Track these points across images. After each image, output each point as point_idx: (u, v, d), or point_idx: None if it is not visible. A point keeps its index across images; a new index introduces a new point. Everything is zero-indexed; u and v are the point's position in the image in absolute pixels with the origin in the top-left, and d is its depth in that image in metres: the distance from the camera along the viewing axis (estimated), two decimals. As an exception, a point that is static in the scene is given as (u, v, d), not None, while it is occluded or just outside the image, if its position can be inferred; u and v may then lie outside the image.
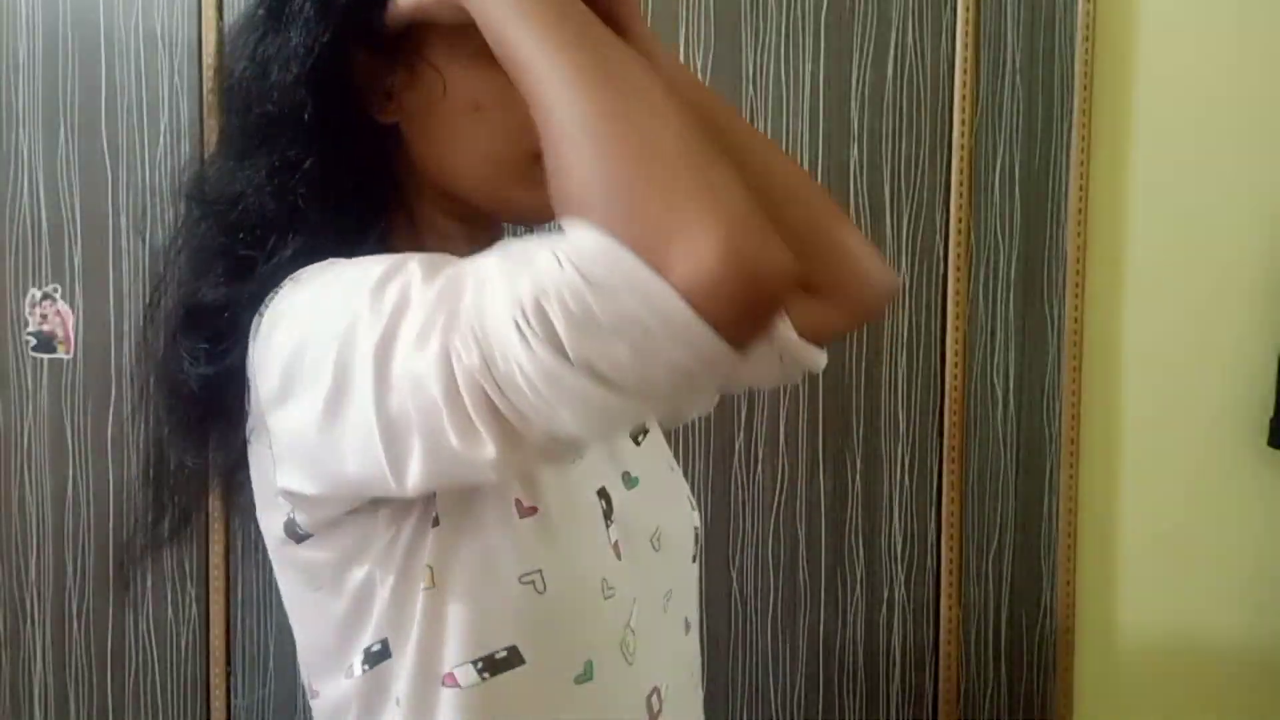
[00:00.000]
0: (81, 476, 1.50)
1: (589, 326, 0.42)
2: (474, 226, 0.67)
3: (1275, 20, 1.42)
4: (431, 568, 0.57)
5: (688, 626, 0.71)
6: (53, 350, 1.50)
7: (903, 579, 1.46)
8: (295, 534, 0.60)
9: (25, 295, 1.50)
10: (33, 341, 1.50)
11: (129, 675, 1.50)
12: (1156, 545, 1.47)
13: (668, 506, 0.70)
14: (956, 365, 1.44)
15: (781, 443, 1.45)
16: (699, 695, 0.73)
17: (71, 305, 1.49)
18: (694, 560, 0.72)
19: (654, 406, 0.54)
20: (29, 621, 1.51)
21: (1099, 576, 1.47)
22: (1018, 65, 1.43)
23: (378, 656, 0.59)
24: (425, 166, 0.65)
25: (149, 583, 1.49)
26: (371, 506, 0.57)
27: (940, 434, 1.45)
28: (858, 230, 0.73)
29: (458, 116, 0.62)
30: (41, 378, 1.50)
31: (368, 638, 0.59)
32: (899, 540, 1.46)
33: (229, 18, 1.44)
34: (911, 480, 1.45)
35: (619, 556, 0.62)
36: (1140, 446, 1.47)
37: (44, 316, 1.50)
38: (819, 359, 0.72)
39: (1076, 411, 1.45)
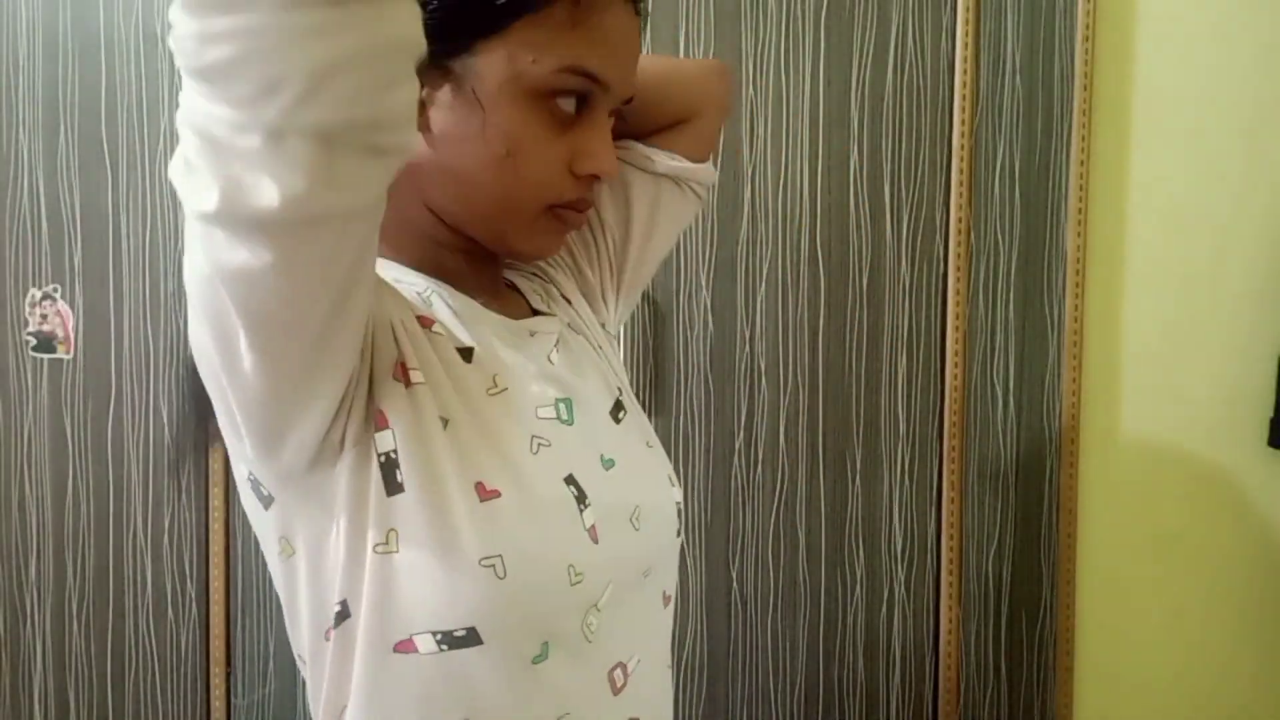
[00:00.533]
0: (81, 476, 1.50)
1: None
2: (473, 243, 0.67)
3: (1275, 20, 1.42)
4: (395, 531, 0.58)
5: (666, 599, 0.73)
6: (53, 350, 1.50)
7: (903, 579, 1.46)
8: (260, 495, 0.61)
9: (25, 295, 1.50)
10: (33, 341, 1.50)
11: (129, 675, 1.50)
12: (1156, 545, 1.47)
13: (647, 485, 0.71)
14: (956, 365, 1.44)
15: (781, 443, 1.45)
16: (670, 668, 0.76)
17: (71, 305, 1.49)
18: (677, 535, 0.74)
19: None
20: (29, 622, 1.51)
21: (1099, 576, 1.47)
22: (1018, 65, 1.43)
23: (339, 617, 0.60)
24: (433, 189, 0.64)
25: (149, 583, 1.49)
26: (325, 464, 0.57)
27: (940, 434, 1.45)
28: (689, 63, 0.86)
29: (489, 155, 0.61)
30: (41, 378, 1.50)
31: (334, 599, 0.60)
32: (899, 540, 1.46)
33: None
34: (911, 480, 1.45)
35: (596, 540, 0.62)
36: (1140, 446, 1.47)
37: (44, 316, 1.50)
38: (709, 174, 0.85)
39: (1076, 411, 1.45)
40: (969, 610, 1.46)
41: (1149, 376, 1.46)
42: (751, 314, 1.44)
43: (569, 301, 0.79)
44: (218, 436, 0.62)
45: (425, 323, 0.63)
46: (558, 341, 0.72)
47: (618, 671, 0.66)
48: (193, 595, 1.48)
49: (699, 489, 1.45)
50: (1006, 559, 1.47)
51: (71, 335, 1.49)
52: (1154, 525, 1.47)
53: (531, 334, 0.69)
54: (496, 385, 0.63)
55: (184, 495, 1.48)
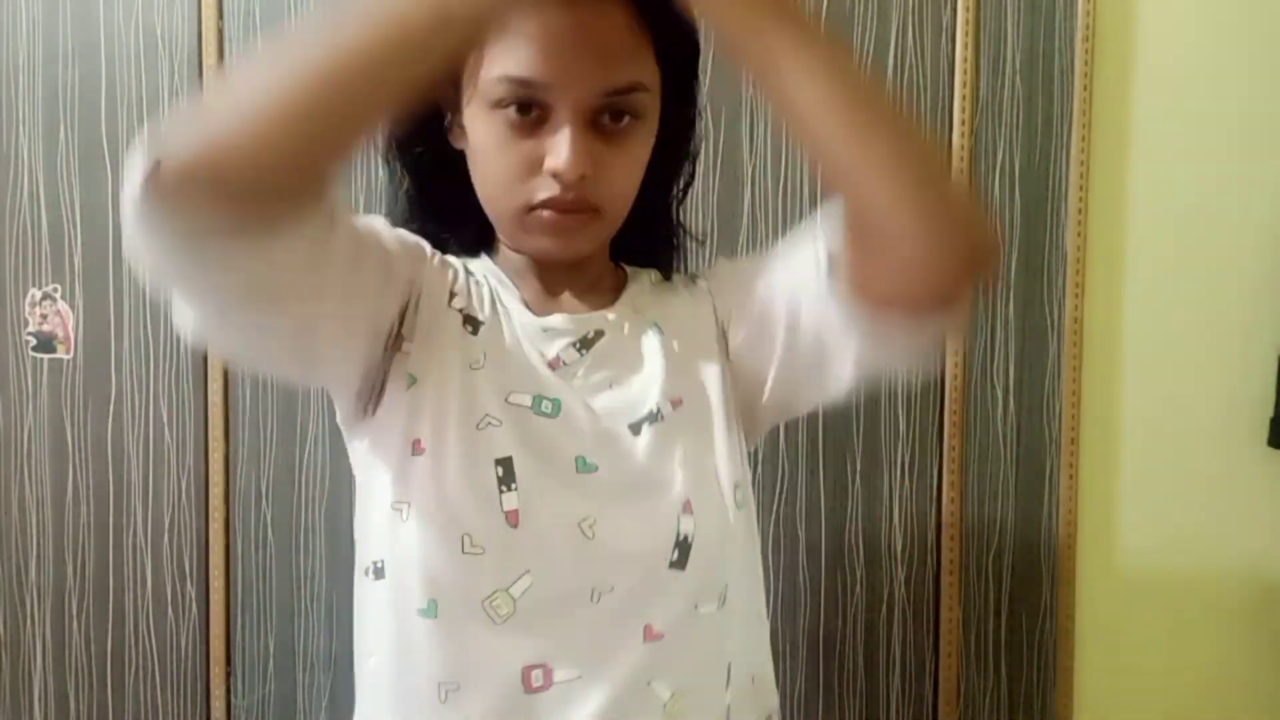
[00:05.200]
0: (81, 476, 1.50)
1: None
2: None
3: (1274, 20, 1.42)
4: (360, 477, 0.73)
5: (651, 634, 0.68)
6: (53, 350, 1.50)
7: (903, 579, 1.46)
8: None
9: (25, 295, 1.50)
10: (33, 341, 1.50)
11: (129, 675, 1.50)
12: (1156, 545, 1.47)
13: (627, 503, 0.68)
14: (956, 365, 1.44)
15: (781, 443, 1.45)
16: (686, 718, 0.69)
17: (71, 305, 1.49)
18: (674, 567, 0.68)
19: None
20: (29, 621, 1.51)
21: (1099, 576, 1.47)
22: (1018, 65, 1.43)
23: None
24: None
25: (149, 583, 1.49)
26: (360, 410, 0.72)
27: (940, 434, 1.45)
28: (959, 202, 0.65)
29: (477, 165, 0.71)
30: (41, 378, 1.50)
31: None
32: (899, 540, 1.46)
33: (229, 18, 1.44)
34: (911, 480, 1.45)
35: (513, 524, 0.65)
36: (1140, 446, 1.47)
37: (44, 316, 1.50)
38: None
39: (1076, 411, 1.45)
40: (969, 610, 1.46)
41: (1149, 377, 1.46)
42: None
43: (655, 330, 0.76)
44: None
45: (452, 294, 0.73)
46: (583, 341, 0.73)
47: (537, 672, 0.66)
48: (193, 595, 1.48)
49: (699, 489, 1.45)
50: (1006, 559, 1.47)
51: (71, 335, 1.49)
52: (1154, 525, 1.47)
53: (544, 330, 0.73)
54: (480, 363, 0.70)
55: (184, 495, 1.48)
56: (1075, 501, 1.46)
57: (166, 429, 1.48)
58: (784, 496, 1.45)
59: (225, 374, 1.45)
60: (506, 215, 0.70)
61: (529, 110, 0.66)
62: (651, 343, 0.75)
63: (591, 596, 0.67)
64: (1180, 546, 1.46)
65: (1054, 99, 1.43)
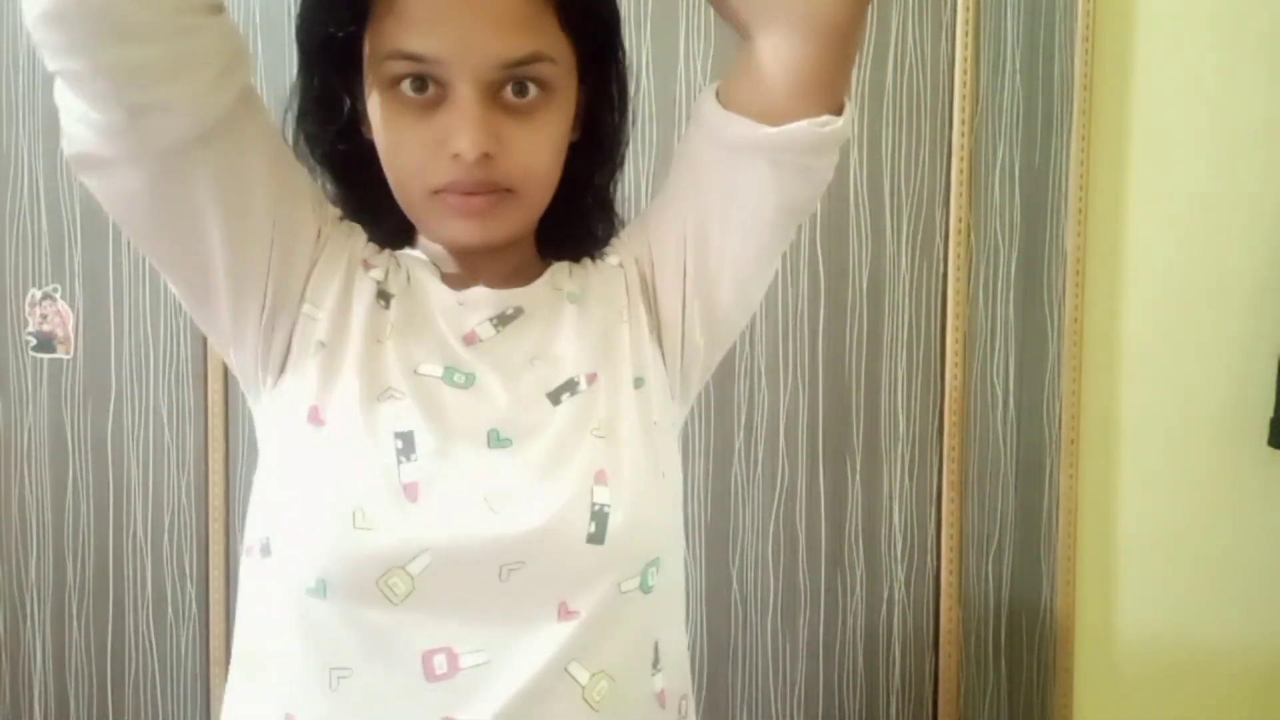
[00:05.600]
0: (81, 476, 1.50)
1: None
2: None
3: (1274, 21, 1.42)
4: (261, 446, 0.69)
5: (567, 613, 0.64)
6: (53, 350, 1.50)
7: (903, 579, 1.46)
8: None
9: (25, 295, 1.50)
10: (33, 341, 1.50)
11: (129, 675, 1.50)
12: (1156, 545, 1.47)
13: (541, 474, 0.65)
14: (956, 365, 1.44)
15: (781, 443, 1.45)
16: (608, 707, 0.65)
17: (71, 305, 1.49)
18: (592, 541, 0.64)
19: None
20: (29, 621, 1.51)
21: (1099, 576, 1.47)
22: (1018, 65, 1.43)
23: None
24: None
25: (149, 583, 1.49)
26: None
27: (940, 434, 1.45)
28: None
29: (380, 153, 0.68)
30: (41, 378, 1.50)
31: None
32: (899, 540, 1.46)
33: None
34: (911, 480, 1.45)
35: (412, 498, 0.62)
36: (1140, 447, 1.47)
37: (44, 316, 1.50)
38: (802, 134, 0.65)
39: (1076, 411, 1.45)
40: (969, 610, 1.46)
41: (1149, 377, 1.46)
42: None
43: (573, 299, 0.75)
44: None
45: (367, 265, 0.70)
46: (501, 316, 0.71)
47: (440, 657, 0.62)
48: (193, 595, 1.48)
49: (699, 489, 1.45)
50: (1006, 559, 1.47)
51: (71, 335, 1.49)
52: (1154, 525, 1.47)
53: (460, 304, 0.71)
54: (386, 334, 0.68)
55: (184, 495, 1.48)
56: (1075, 501, 1.46)
57: (166, 429, 1.48)
58: (784, 496, 1.45)
59: (225, 374, 1.45)
60: (414, 203, 0.67)
61: (424, 88, 0.63)
62: (569, 315, 0.73)
63: (499, 574, 0.62)
64: (1180, 546, 1.46)
65: (1054, 99, 1.43)
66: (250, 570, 0.67)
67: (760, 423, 1.45)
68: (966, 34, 1.41)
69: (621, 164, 0.78)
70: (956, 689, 1.47)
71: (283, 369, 0.67)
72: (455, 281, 0.72)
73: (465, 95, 0.62)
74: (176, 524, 1.48)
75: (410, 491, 0.62)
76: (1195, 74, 1.43)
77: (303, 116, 0.71)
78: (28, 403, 1.50)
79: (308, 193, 0.69)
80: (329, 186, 0.75)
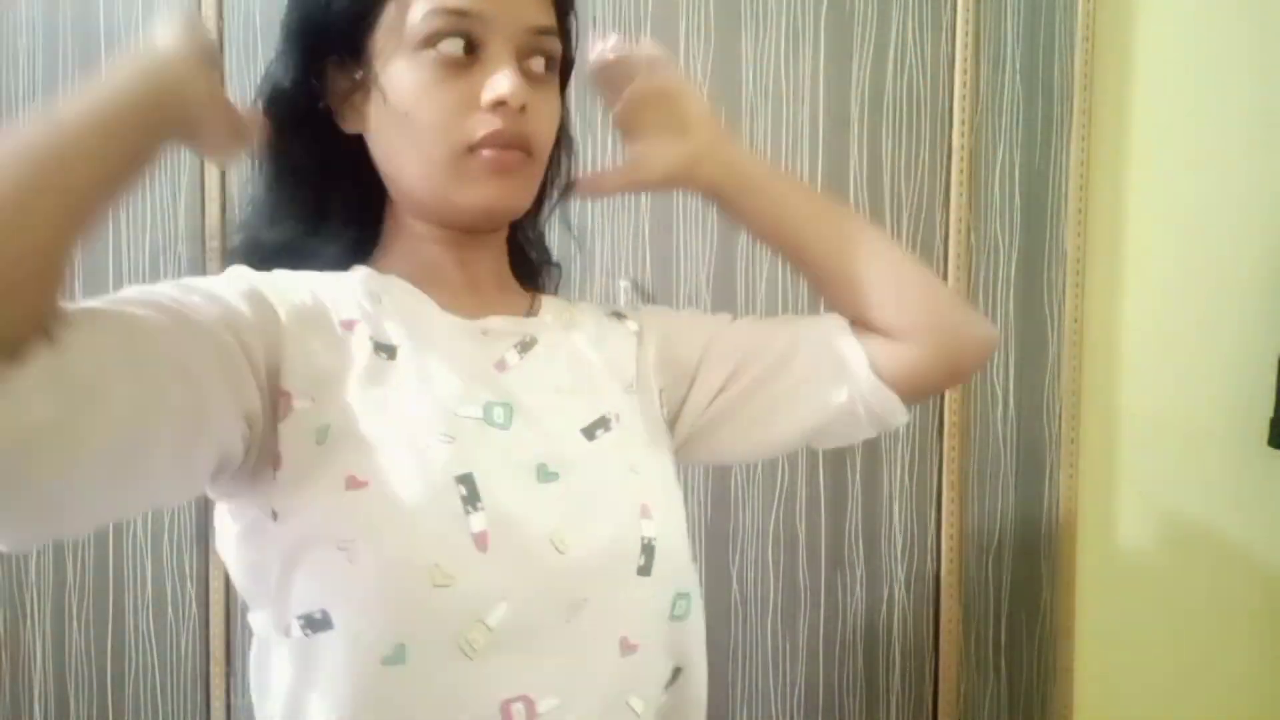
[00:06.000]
0: (81, 476, 1.50)
1: None
2: (448, 232, 0.71)
3: (1274, 21, 1.42)
4: (276, 513, 0.61)
5: (628, 647, 0.64)
6: (53, 350, 1.49)
7: (903, 579, 1.46)
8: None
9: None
10: (33, 341, 1.50)
11: (129, 675, 1.50)
12: (1156, 545, 1.47)
13: (593, 510, 0.65)
14: (956, 365, 1.44)
15: (781, 443, 1.45)
16: None
17: (71, 305, 1.49)
18: (642, 573, 0.65)
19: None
20: (29, 621, 1.51)
21: (1099, 577, 1.47)
22: (1018, 65, 1.43)
23: (246, 608, 0.67)
24: (386, 176, 0.70)
25: (149, 583, 1.49)
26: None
27: (940, 434, 1.45)
28: (945, 286, 0.82)
29: (397, 124, 0.65)
30: (41, 378, 1.50)
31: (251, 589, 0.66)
32: (899, 540, 1.46)
33: (229, 19, 1.44)
34: (911, 480, 1.45)
35: (482, 547, 0.59)
36: (1140, 447, 1.47)
37: (44, 316, 1.49)
38: (897, 408, 0.76)
39: (1076, 411, 1.45)
40: (969, 610, 1.46)
41: (1149, 376, 1.46)
42: (751, 314, 1.44)
43: (593, 343, 0.76)
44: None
45: (348, 325, 0.65)
46: (522, 344, 0.70)
47: (518, 706, 0.60)
48: (193, 595, 1.48)
49: (699, 489, 1.45)
50: (1006, 559, 1.47)
51: (71, 335, 1.49)
52: (1154, 525, 1.47)
53: (484, 333, 0.69)
54: (409, 385, 0.64)
55: (184, 495, 1.48)
56: (1075, 501, 1.46)
57: (166, 429, 1.48)
58: (784, 496, 1.45)
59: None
60: (440, 165, 0.65)
61: (462, 45, 0.63)
62: (587, 352, 0.74)
63: (566, 615, 0.62)
64: (1180, 546, 1.46)
65: (1054, 99, 1.43)
66: (292, 651, 0.60)
67: (760, 423, 1.45)
68: (966, 34, 1.41)
69: (562, 198, 0.79)
70: (956, 689, 1.47)
71: (278, 461, 0.61)
72: (454, 302, 0.69)
73: (503, 51, 0.64)
74: (176, 524, 1.48)
75: (481, 541, 0.59)
76: (1195, 74, 1.43)
77: (287, 105, 0.68)
78: (28, 403, 1.50)
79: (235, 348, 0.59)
80: (282, 200, 0.70)
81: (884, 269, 0.76)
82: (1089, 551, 1.47)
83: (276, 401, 0.61)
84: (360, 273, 0.69)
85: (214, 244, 1.46)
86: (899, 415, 0.77)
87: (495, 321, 0.70)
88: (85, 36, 1.46)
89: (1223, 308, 1.44)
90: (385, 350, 0.65)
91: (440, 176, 0.65)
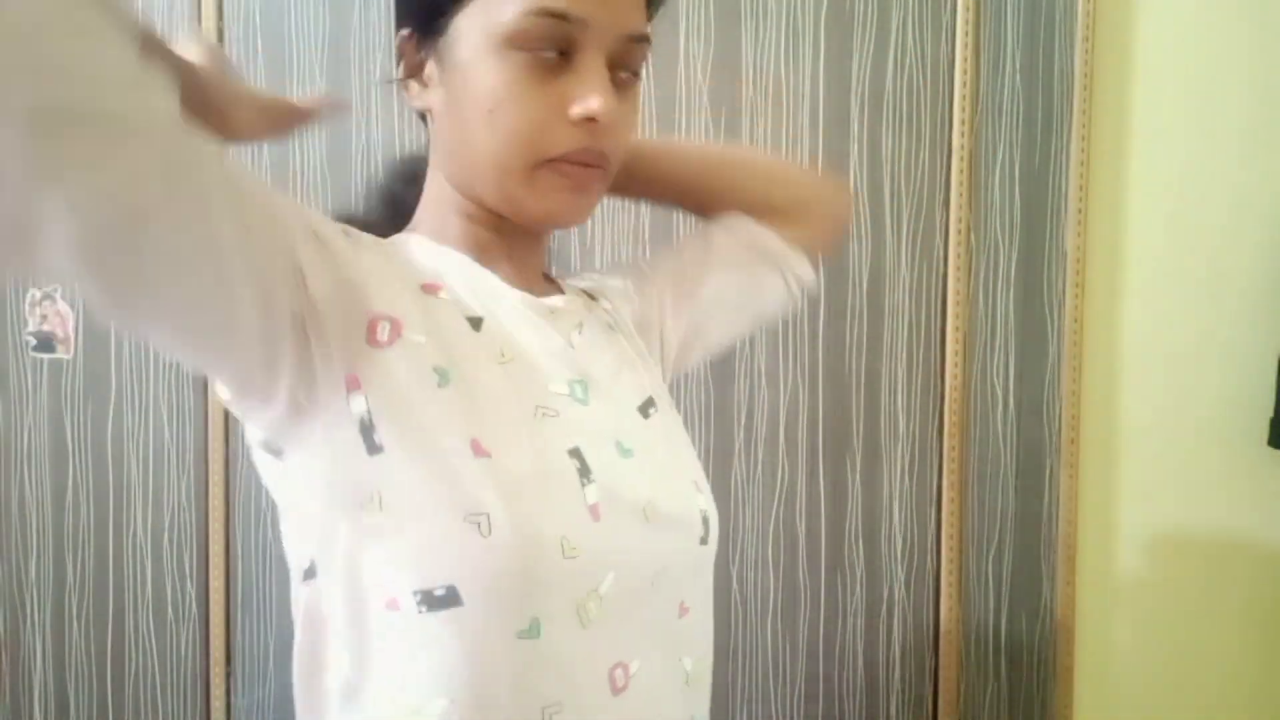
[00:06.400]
0: (81, 476, 1.50)
1: None
2: (505, 220, 0.68)
3: (1274, 21, 1.42)
4: (379, 494, 0.57)
5: (683, 610, 0.67)
6: (53, 350, 1.50)
7: (903, 579, 1.46)
8: (271, 449, 0.61)
9: (25, 295, 1.50)
10: (33, 341, 1.50)
11: (129, 675, 1.50)
12: (1156, 545, 1.47)
13: (667, 483, 0.67)
14: (956, 365, 1.44)
15: (781, 443, 1.45)
16: (694, 688, 0.69)
17: (71, 305, 1.49)
18: (702, 543, 0.69)
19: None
20: (29, 621, 1.51)
21: (1099, 576, 1.47)
22: (1018, 65, 1.43)
23: (307, 574, 0.60)
24: (446, 159, 0.67)
25: (149, 583, 1.49)
26: (300, 418, 0.57)
27: (940, 434, 1.45)
28: (817, 180, 0.90)
29: (476, 115, 0.62)
30: (41, 378, 1.50)
31: (305, 557, 0.60)
32: (899, 540, 1.46)
33: (229, 19, 1.44)
34: (911, 480, 1.45)
35: (596, 518, 0.60)
36: (1140, 446, 1.47)
37: (44, 316, 1.50)
38: (806, 267, 0.86)
39: (1076, 412, 1.45)
40: (969, 610, 1.46)
41: (1149, 377, 1.46)
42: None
43: (613, 326, 0.77)
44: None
45: (431, 289, 0.63)
46: (581, 325, 0.71)
47: (619, 671, 0.61)
48: (193, 595, 1.48)
49: (699, 489, 1.45)
50: (1006, 559, 1.47)
51: (71, 335, 1.49)
52: (1154, 525, 1.47)
53: (553, 311, 0.69)
54: (505, 356, 0.63)
55: (184, 495, 1.48)
56: (1075, 501, 1.46)
57: (166, 429, 1.48)
58: (784, 496, 1.45)
59: (225, 374, 1.45)
60: (513, 172, 0.62)
61: (559, 49, 0.60)
62: (616, 335, 0.76)
63: (652, 581, 0.64)
64: (1180, 546, 1.46)
65: (1054, 99, 1.43)
66: (395, 628, 0.57)
67: (760, 423, 1.45)
68: (966, 34, 1.41)
69: None
70: (956, 689, 1.47)
71: (358, 384, 0.57)
72: (512, 276, 0.69)
73: (596, 60, 0.61)
74: (176, 524, 1.48)
75: (594, 512, 0.60)
76: (1195, 73, 1.43)
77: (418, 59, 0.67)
78: (28, 403, 1.50)
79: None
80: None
81: (761, 175, 0.86)
82: (1089, 551, 1.47)
83: (364, 323, 0.57)
84: (418, 240, 0.67)
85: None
86: (809, 273, 0.86)
87: (558, 300, 0.71)
88: (85, 36, 1.46)
89: (1223, 308, 1.44)
90: (472, 320, 0.63)
91: (514, 181, 0.63)
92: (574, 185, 0.63)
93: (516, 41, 0.60)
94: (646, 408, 0.71)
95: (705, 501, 0.70)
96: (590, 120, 0.60)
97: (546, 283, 0.75)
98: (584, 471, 0.60)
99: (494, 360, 0.62)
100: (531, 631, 0.57)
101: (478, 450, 0.57)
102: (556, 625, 0.58)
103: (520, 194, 0.63)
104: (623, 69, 0.63)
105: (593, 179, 0.63)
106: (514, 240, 0.69)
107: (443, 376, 0.59)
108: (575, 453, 0.61)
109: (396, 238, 0.68)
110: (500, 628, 0.57)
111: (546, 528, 0.57)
